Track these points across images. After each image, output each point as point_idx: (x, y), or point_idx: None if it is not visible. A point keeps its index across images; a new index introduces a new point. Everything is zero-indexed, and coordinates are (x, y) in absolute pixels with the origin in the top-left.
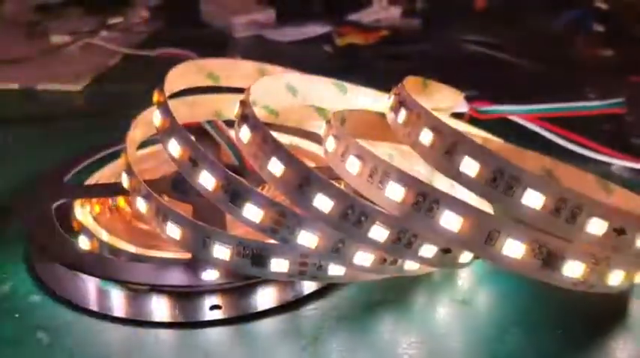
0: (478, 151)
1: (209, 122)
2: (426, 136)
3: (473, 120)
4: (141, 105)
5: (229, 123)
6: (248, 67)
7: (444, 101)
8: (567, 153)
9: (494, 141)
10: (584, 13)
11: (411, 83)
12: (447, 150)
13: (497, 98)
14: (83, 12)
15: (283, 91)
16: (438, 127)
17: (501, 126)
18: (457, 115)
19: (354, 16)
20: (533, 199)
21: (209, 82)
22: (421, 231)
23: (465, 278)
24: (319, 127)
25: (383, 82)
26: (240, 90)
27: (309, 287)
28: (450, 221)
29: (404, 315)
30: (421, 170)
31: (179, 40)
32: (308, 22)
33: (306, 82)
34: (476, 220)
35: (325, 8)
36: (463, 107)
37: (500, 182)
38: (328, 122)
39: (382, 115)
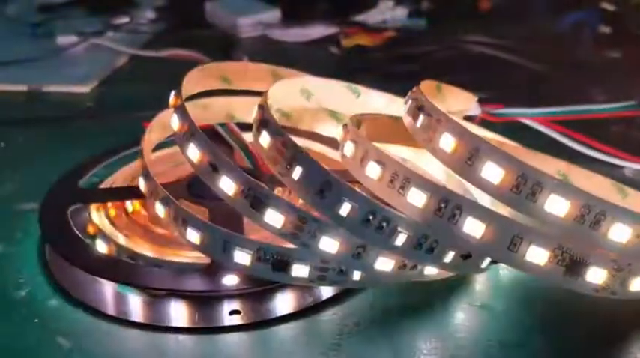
0: (501, 157)
1: (222, 125)
2: (447, 142)
3: (484, 123)
4: (150, 107)
5: (241, 126)
6: (261, 70)
7: (458, 104)
8: (579, 156)
9: (509, 144)
10: (589, 15)
11: (425, 87)
12: (469, 156)
13: (504, 100)
14: (88, 12)
15: (298, 95)
16: (459, 133)
17: (513, 129)
18: (468, 118)
19: (359, 17)
20: (556, 206)
21: (223, 85)
22: (443, 238)
23: (481, 283)
24: (331, 130)
25: (391, 84)
26: (252, 93)
27: (327, 292)
28: (473, 227)
29: (423, 320)
30: (435, 173)
31: (184, 41)
32: (313, 23)
33: (319, 85)
34: (498, 226)
35: (330, 9)
36: (476, 110)
37: (523, 188)
38: (345, 126)
39: (396, 119)
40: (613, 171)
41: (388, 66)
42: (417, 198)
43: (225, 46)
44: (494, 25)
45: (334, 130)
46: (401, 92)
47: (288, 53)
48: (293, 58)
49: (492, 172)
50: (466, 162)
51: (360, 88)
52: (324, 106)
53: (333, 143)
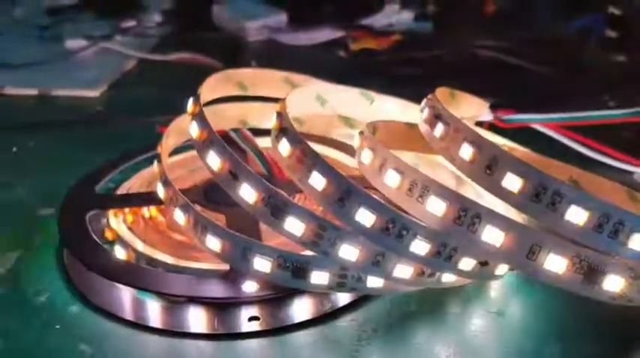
0: (520, 167)
1: (235, 130)
2: (466, 151)
3: (493, 129)
4: (160, 110)
5: (254, 132)
6: (275, 76)
7: (470, 110)
8: (588, 162)
9: (519, 150)
10: (596, 19)
11: (439, 93)
12: (488, 165)
13: (512, 105)
14: (95, 15)
15: (313, 102)
16: (478, 142)
17: (522, 135)
18: (478, 124)
19: (365, 21)
20: (576, 215)
21: (239, 92)
22: (462, 246)
23: (497, 289)
24: (344, 136)
25: (399, 87)
26: (265, 99)
27: (344, 298)
28: (492, 235)
29: (440, 327)
30: (447, 180)
31: (191, 44)
32: (320, 27)
33: (334, 92)
34: (517, 235)
35: (336, 12)
36: (488, 116)
37: (543, 197)
38: (361, 133)
39: (410, 126)
40: (623, 177)
41: (395, 69)
42: (436, 206)
43: (232, 50)
44: (500, 29)
45: (347, 136)
46: (409, 95)
47: (295, 56)
48: (300, 61)
49: (512, 181)
50: (485, 172)
51: (374, 94)
52: (339, 113)
53: (345, 148)
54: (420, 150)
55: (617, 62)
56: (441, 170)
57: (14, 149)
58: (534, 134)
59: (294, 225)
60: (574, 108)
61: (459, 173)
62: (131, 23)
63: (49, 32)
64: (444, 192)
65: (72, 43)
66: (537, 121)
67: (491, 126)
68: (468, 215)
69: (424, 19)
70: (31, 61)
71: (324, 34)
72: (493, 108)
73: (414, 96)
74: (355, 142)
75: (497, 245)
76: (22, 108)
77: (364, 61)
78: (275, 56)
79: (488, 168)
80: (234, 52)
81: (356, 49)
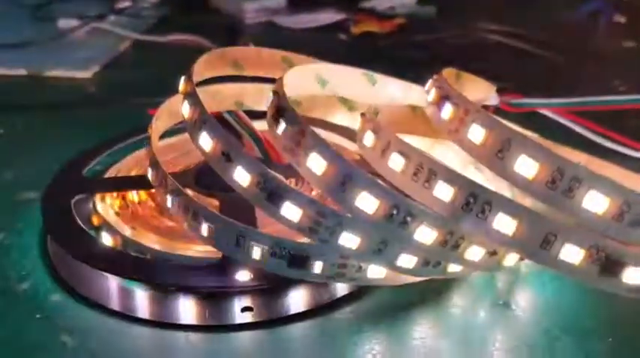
0: (536, 150)
1: (230, 113)
2: (476, 133)
3: (498, 113)
4: (154, 93)
5: (250, 114)
6: (273, 56)
7: (477, 93)
8: (596, 148)
9: (529, 135)
10: (604, 3)
11: (445, 74)
12: (500, 149)
13: (519, 89)
14: None
15: (312, 82)
16: (489, 124)
17: (527, 119)
18: (484, 108)
19: (367, 3)
20: (595, 202)
21: (234, 71)
22: (471, 234)
23: (503, 279)
24: (343, 119)
25: (402, 72)
26: (262, 80)
27: (343, 289)
28: (504, 223)
29: (444, 319)
30: (452, 165)
31: (188, 26)
32: (320, 9)
33: (335, 72)
34: (531, 223)
35: None
36: (495, 100)
37: (559, 184)
38: (363, 115)
39: (414, 108)
40: (629, 163)
41: (398, 53)
42: (443, 191)
43: (229, 32)
44: (504, 13)
45: (346, 119)
46: (412, 80)
47: (294, 40)
48: (300, 44)
49: (526, 166)
50: (496, 155)
51: (377, 76)
52: (339, 94)
53: (344, 132)
54: (423, 134)
55: (625, 47)
56: (446, 154)
57: (0, 131)
58: (539, 119)
59: (292, 211)
60: (581, 94)
61: (466, 157)
62: (126, 3)
63: (41, 11)
64: (453, 177)
65: (64, 23)
66: (545, 106)
67: (497, 111)
68: (477, 201)
69: (427, 2)
70: (21, 40)
71: (325, 17)
72: (500, 91)
73: (418, 80)
74: (357, 125)
75: (510, 233)
76: (11, 88)
77: (366, 44)
78: (273, 39)
79: (499, 151)
80: (232, 34)
81: (357, 32)
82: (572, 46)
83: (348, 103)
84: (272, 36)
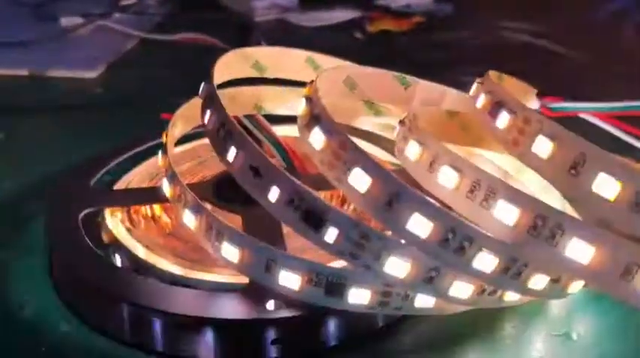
0: (618, 168)
1: (248, 117)
2: (543, 147)
3: None
4: (163, 94)
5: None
6: (298, 56)
7: (517, 97)
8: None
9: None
10: (631, 2)
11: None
12: (573, 165)
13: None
14: None
15: (340, 85)
16: (558, 136)
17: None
18: None
19: (382, 1)
20: None
21: (254, 73)
22: (539, 261)
23: (559, 307)
24: (368, 123)
25: (422, 73)
26: (283, 82)
27: (385, 318)
28: (578, 250)
29: (497, 352)
30: None
31: (195, 24)
32: (334, 6)
33: (365, 75)
34: (611, 250)
35: None
36: (535, 104)
37: None
38: (402, 122)
39: (450, 114)
40: None
41: (417, 53)
42: (506, 213)
43: (239, 30)
44: (525, 11)
45: (373, 125)
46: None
47: (307, 38)
48: (313, 43)
49: (606, 185)
50: (569, 172)
51: (409, 79)
52: (369, 98)
53: (372, 139)
54: (462, 143)
55: None
56: (490, 169)
57: (1, 135)
58: (580, 124)
59: (330, 233)
60: (615, 98)
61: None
62: (131, 0)
63: (42, 9)
64: (516, 196)
65: (67, 21)
66: (588, 110)
67: None
68: (546, 225)
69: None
70: (23, 39)
71: (340, 15)
72: (540, 95)
73: (442, 83)
74: (384, 131)
75: (585, 262)
76: (12, 89)
77: (384, 43)
78: (286, 38)
79: (573, 167)
80: (241, 33)
81: (373, 30)
82: (599, 47)
83: (373, 108)
84: (283, 35)
